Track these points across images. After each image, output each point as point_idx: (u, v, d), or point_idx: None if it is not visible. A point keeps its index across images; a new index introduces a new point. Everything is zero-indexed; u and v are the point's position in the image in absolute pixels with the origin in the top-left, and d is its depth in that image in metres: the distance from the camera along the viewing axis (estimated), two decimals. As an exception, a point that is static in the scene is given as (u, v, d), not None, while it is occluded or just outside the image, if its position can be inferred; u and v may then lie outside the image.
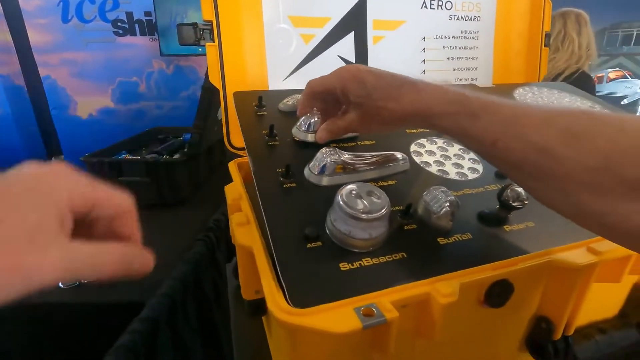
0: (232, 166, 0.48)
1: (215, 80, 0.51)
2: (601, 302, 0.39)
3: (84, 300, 0.73)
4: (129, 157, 1.15)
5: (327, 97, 0.38)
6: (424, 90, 0.30)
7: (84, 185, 0.21)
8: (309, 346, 0.25)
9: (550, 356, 0.34)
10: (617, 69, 3.71)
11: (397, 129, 0.38)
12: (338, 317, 0.23)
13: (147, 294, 0.67)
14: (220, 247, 0.95)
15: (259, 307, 0.36)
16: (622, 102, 3.52)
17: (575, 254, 0.31)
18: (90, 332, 0.73)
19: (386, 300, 0.24)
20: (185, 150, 1.15)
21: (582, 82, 1.29)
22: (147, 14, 2.62)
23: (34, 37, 1.91)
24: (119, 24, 2.64)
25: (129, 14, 2.64)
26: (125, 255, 0.22)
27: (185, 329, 0.72)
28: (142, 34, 2.67)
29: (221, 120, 1.35)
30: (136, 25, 2.67)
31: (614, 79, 3.69)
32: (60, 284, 0.75)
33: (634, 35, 3.64)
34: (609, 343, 0.38)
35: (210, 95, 0.95)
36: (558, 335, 0.34)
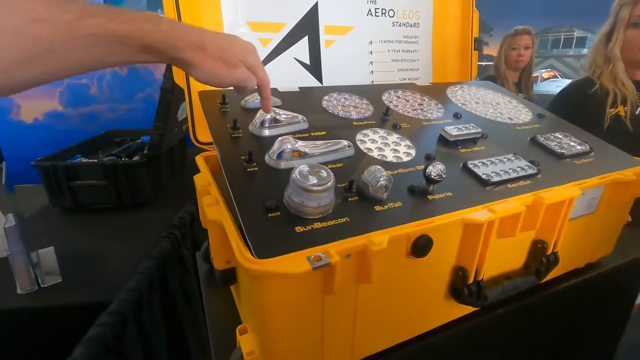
0: (199, 159, 0.53)
1: (180, 81, 0.55)
2: (508, 257, 0.49)
3: (44, 305, 0.73)
4: (84, 160, 1.12)
5: None
6: None
7: (247, 42, 0.43)
8: (272, 291, 0.31)
9: (466, 297, 0.43)
10: (549, 69, 4.13)
11: None
12: (293, 263, 0.30)
13: (108, 295, 0.68)
14: (186, 244, 0.97)
15: (230, 276, 0.42)
16: (554, 100, 3.95)
17: (479, 214, 0.40)
18: (51, 335, 0.73)
19: (332, 250, 0.31)
20: (145, 152, 1.14)
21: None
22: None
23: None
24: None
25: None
26: (263, 81, 0.43)
27: (151, 323, 0.75)
28: (92, 33, 2.56)
29: (182, 121, 1.34)
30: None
31: (547, 78, 4.11)
32: (18, 289, 0.74)
33: (562, 39, 4.06)
34: (513, 286, 0.47)
35: (169, 96, 0.96)
36: (471, 280, 0.43)
